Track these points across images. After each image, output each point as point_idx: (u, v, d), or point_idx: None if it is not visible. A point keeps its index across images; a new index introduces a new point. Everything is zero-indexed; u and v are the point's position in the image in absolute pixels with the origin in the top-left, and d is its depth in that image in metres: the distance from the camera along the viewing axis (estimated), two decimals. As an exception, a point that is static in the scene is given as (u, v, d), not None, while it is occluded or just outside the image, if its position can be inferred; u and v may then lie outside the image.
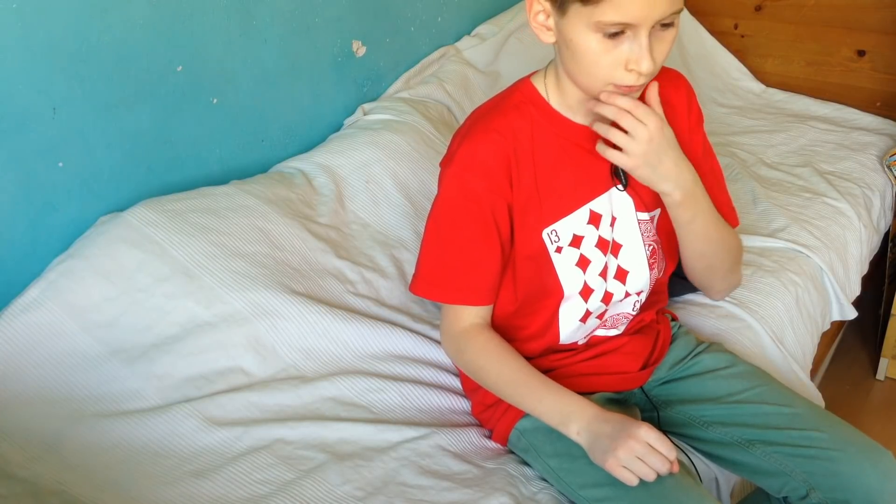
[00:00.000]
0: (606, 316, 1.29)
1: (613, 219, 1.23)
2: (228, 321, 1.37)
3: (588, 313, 1.25)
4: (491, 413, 1.31)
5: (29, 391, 1.26)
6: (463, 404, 1.39)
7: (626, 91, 1.07)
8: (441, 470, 1.23)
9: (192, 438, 1.24)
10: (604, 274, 1.24)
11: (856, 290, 1.95)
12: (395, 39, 2.01)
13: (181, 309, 1.36)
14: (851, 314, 1.88)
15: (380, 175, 1.72)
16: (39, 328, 1.30)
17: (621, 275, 1.25)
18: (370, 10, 1.91)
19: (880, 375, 2.32)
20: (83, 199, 1.45)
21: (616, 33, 1.02)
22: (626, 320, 1.30)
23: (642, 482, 1.07)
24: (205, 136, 1.63)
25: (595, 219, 1.21)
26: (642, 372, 1.31)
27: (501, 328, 1.27)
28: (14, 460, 1.16)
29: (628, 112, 1.08)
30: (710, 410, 1.28)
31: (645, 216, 1.25)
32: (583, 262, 1.22)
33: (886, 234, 2.22)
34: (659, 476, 1.07)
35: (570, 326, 1.26)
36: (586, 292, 1.24)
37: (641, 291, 1.28)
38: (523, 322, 1.26)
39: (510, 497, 1.18)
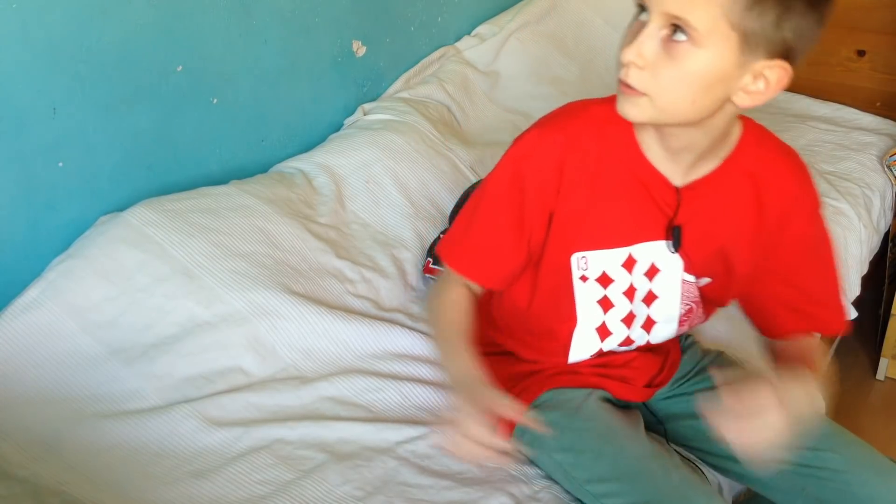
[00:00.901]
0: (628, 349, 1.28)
1: (655, 269, 1.17)
2: (228, 321, 1.37)
3: (601, 352, 1.24)
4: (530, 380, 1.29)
5: (29, 391, 1.26)
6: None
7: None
8: (441, 469, 1.23)
9: (191, 439, 1.24)
10: (628, 321, 1.21)
11: (856, 290, 1.95)
12: (395, 39, 2.01)
13: (181, 309, 1.36)
14: (851, 314, 1.88)
15: (380, 175, 1.72)
16: (39, 328, 1.30)
17: (649, 325, 1.23)
18: (370, 10, 1.91)
19: (880, 375, 2.32)
20: (83, 199, 1.45)
21: (641, 11, 0.97)
22: (636, 345, 1.28)
23: (652, 479, 1.07)
24: (205, 136, 1.63)
25: (630, 264, 1.17)
26: (646, 389, 1.30)
27: (516, 331, 1.27)
28: (14, 460, 1.16)
29: (742, 402, 1.00)
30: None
31: (691, 279, 1.20)
32: (605, 304, 1.19)
33: (886, 234, 2.22)
34: (662, 471, 1.09)
35: (580, 355, 1.25)
36: (604, 332, 1.21)
37: (663, 341, 1.27)
38: (535, 337, 1.25)
39: (510, 497, 1.18)
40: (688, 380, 1.33)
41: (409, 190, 1.73)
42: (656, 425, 1.32)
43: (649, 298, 1.20)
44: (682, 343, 1.38)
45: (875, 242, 2.10)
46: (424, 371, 1.41)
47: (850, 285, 1.93)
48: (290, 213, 1.56)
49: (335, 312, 1.44)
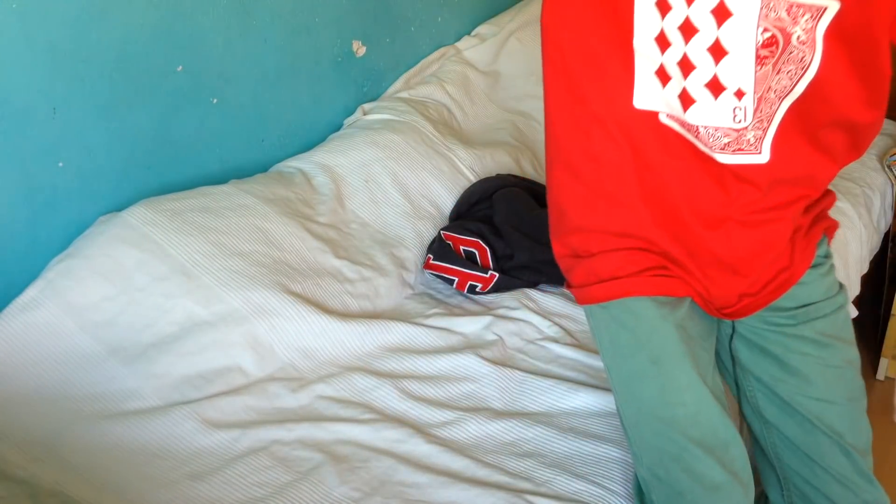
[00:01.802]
0: (697, 122, 0.96)
1: None
2: (227, 320, 1.37)
3: (665, 74, 0.95)
4: (573, 263, 1.13)
5: (28, 391, 1.26)
6: (463, 393, 1.38)
7: None
8: (439, 466, 1.23)
9: (190, 440, 1.24)
10: (685, 30, 0.91)
11: (856, 289, 1.95)
12: (395, 39, 2.01)
13: (180, 308, 1.36)
14: (851, 313, 1.88)
15: (379, 174, 1.72)
16: (38, 327, 1.30)
17: (717, 51, 0.91)
18: (370, 10, 1.91)
19: (880, 375, 2.32)
20: (83, 199, 1.45)
21: None
22: (725, 140, 0.97)
23: (691, 475, 1.05)
24: (205, 136, 1.63)
25: None
26: (717, 311, 1.11)
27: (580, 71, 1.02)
28: (12, 461, 1.17)
29: None
30: (770, 398, 1.15)
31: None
32: (662, 7, 0.92)
33: (886, 234, 2.22)
34: (703, 468, 1.05)
35: (646, 81, 0.96)
36: (663, 42, 0.93)
37: (744, 94, 0.93)
38: (596, 65, 1.00)
39: (508, 492, 1.18)
40: (785, 316, 1.11)
41: (408, 189, 1.73)
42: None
43: (722, 16, 0.90)
44: (819, 259, 1.13)
45: (875, 242, 2.10)
46: (422, 369, 1.42)
47: (851, 285, 1.93)
48: (289, 213, 1.57)
49: (333, 312, 1.45)
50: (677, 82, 0.95)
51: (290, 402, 1.33)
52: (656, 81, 0.97)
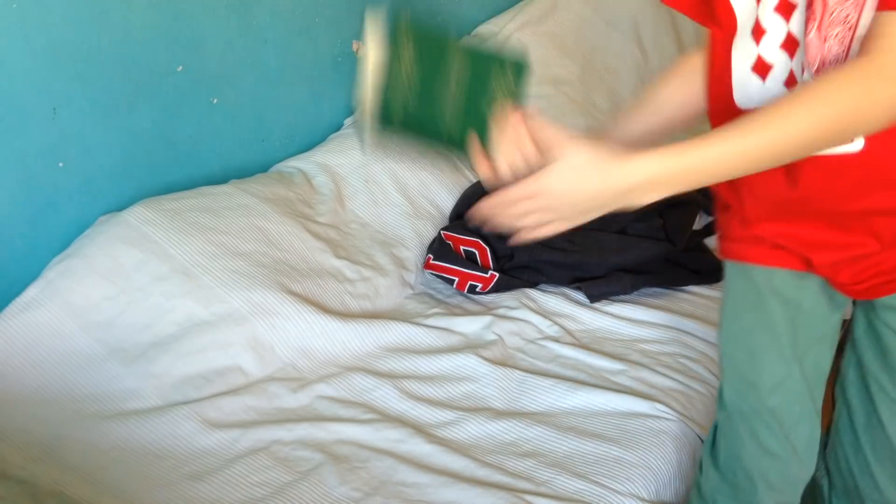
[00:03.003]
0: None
1: None
2: (227, 320, 1.37)
3: (763, 64, 0.89)
4: (719, 212, 1.11)
5: (27, 391, 1.26)
6: (463, 393, 1.38)
7: None
8: (439, 466, 1.23)
9: (190, 440, 1.24)
10: (784, 9, 0.85)
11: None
12: (395, 39, 2.01)
13: (180, 308, 1.36)
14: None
15: (379, 174, 1.72)
16: (38, 328, 1.30)
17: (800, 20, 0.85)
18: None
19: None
20: (83, 199, 1.45)
21: None
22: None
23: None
24: (205, 136, 1.63)
25: None
26: (841, 286, 1.02)
27: None
28: (12, 461, 1.17)
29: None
30: (859, 378, 1.10)
31: None
32: None
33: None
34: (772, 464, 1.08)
35: (742, 73, 0.91)
36: (758, 32, 0.88)
37: (805, 68, 0.86)
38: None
39: (508, 492, 1.18)
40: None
41: (408, 189, 1.73)
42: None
43: None
44: None
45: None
46: (422, 369, 1.42)
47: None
48: (289, 213, 1.57)
49: (333, 312, 1.45)
50: (783, 67, 0.88)
51: (290, 402, 1.33)
52: (755, 78, 0.90)
